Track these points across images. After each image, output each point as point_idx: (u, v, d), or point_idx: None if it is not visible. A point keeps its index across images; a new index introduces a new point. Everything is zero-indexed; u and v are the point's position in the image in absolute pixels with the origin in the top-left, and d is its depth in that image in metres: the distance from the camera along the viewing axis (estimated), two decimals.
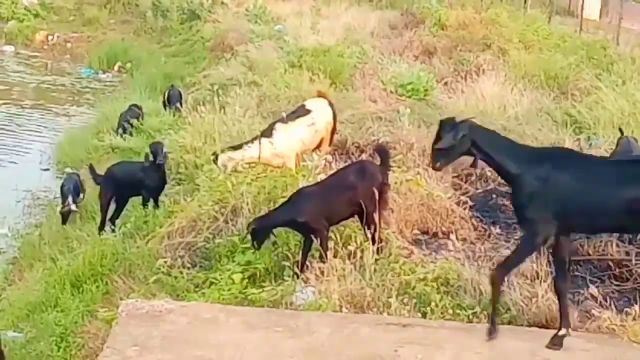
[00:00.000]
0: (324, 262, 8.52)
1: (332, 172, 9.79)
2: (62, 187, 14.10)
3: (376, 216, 8.77)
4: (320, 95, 12.22)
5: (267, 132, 11.22)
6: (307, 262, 8.70)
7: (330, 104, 11.80)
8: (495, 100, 15.10)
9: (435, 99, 15.97)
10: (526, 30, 20.66)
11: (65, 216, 13.55)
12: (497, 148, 7.10)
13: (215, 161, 11.03)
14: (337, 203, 8.92)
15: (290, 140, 11.12)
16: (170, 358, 6.14)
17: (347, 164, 10.52)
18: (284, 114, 11.64)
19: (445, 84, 16.89)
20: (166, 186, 12.51)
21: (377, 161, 9.39)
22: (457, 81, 16.82)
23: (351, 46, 19.03)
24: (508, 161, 7.00)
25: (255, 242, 8.82)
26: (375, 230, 8.77)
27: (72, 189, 13.86)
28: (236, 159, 10.94)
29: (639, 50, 18.56)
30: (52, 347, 9.06)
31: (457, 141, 7.22)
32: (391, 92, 16.33)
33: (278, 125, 11.31)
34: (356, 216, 8.94)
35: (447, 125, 7.40)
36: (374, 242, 8.70)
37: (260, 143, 11.02)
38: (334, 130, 11.80)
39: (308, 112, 11.51)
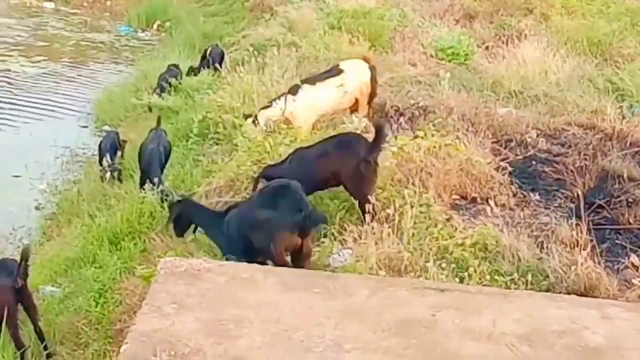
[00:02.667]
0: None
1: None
2: (99, 144, 14.16)
3: (360, 189, 8.78)
4: (365, 58, 12.17)
5: (293, 90, 11.27)
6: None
7: (372, 67, 11.75)
8: (536, 66, 14.91)
9: (476, 64, 15.79)
10: None
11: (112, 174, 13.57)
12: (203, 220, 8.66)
13: (255, 122, 11.06)
14: (316, 171, 8.96)
15: (313, 101, 11.12)
16: (208, 316, 6.15)
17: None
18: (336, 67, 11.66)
19: (486, 48, 16.69)
20: (204, 145, 12.55)
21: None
22: (498, 46, 16.61)
23: (391, 9, 18.83)
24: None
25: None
26: (360, 203, 8.76)
27: (110, 147, 13.90)
28: (275, 115, 11.01)
29: None
30: (90, 302, 9.12)
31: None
32: (431, 56, 16.19)
33: (305, 86, 11.34)
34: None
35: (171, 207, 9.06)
36: (362, 214, 8.70)
37: (285, 100, 11.07)
38: (372, 94, 11.75)
39: (339, 72, 11.50)
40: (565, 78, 14.62)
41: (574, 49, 16.28)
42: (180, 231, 9.13)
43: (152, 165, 11.95)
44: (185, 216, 9.00)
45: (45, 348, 8.59)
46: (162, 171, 12.00)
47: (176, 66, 18.05)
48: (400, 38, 17.22)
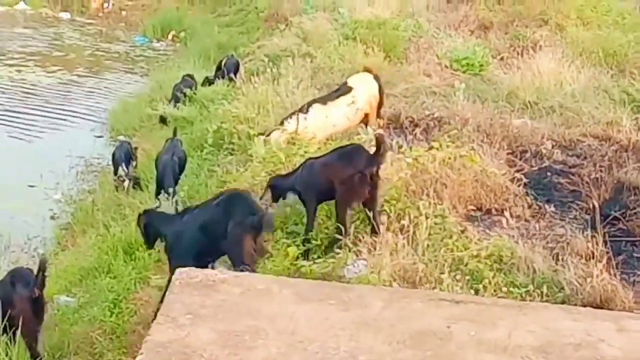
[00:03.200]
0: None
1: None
2: (113, 154, 14.20)
3: (349, 203, 8.81)
4: (367, 70, 12.19)
5: (304, 109, 11.29)
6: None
7: (376, 78, 11.76)
8: (551, 77, 14.88)
9: (491, 75, 15.80)
10: (584, 6, 20.30)
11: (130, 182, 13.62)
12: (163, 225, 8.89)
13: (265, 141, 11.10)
14: (320, 181, 9.02)
15: (325, 120, 11.13)
16: (224, 327, 6.15)
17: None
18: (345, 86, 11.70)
19: (501, 59, 16.70)
20: (219, 156, 12.58)
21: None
22: (513, 57, 16.61)
23: (406, 19, 18.86)
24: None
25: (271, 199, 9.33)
26: (343, 218, 8.78)
27: (124, 157, 13.94)
28: (284, 134, 11.02)
29: None
30: (104, 312, 9.14)
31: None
32: (446, 66, 16.21)
33: (316, 105, 11.37)
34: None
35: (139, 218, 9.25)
36: (344, 228, 8.72)
37: (298, 118, 11.09)
38: (380, 105, 11.75)
39: (349, 90, 11.51)
40: (580, 89, 14.58)
41: (589, 60, 16.25)
42: (148, 242, 9.24)
43: (165, 175, 11.98)
44: (151, 226, 9.12)
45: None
46: (176, 182, 12.02)
47: (191, 76, 18.10)
48: (415, 49, 17.24)
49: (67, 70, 22.71)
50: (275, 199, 9.33)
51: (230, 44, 23.23)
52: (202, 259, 8.15)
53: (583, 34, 17.75)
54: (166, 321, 6.15)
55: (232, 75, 17.74)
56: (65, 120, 18.51)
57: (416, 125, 12.41)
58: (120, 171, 13.65)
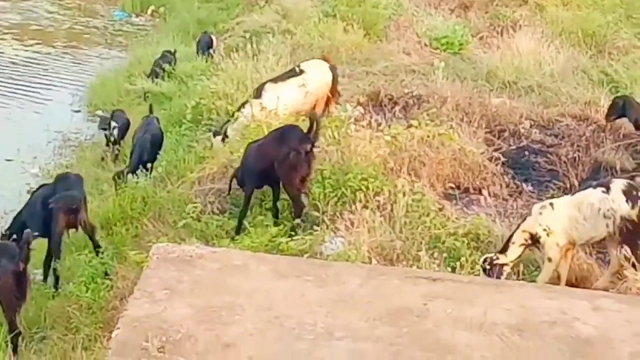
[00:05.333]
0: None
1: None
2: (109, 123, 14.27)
3: (292, 181, 8.93)
4: (324, 58, 12.14)
5: (257, 94, 11.26)
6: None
7: (332, 68, 11.69)
8: (530, 57, 14.91)
9: (470, 54, 15.80)
10: None
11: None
12: None
13: (224, 139, 11.08)
14: (258, 163, 9.21)
15: (280, 100, 11.08)
16: (201, 303, 6.14)
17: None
18: (297, 68, 11.61)
19: (481, 38, 16.70)
20: (197, 132, 12.55)
21: None
22: (493, 36, 16.62)
23: None
24: None
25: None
26: (293, 194, 8.95)
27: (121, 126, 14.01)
28: (243, 124, 11.00)
29: None
30: (81, 287, 9.12)
31: None
32: (425, 45, 16.19)
33: (267, 86, 11.33)
34: None
35: None
36: (294, 206, 8.94)
37: (251, 105, 11.05)
38: (332, 94, 11.65)
39: (301, 72, 11.45)
40: (559, 69, 14.63)
41: (568, 40, 16.28)
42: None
43: (139, 153, 11.98)
44: None
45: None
46: (153, 159, 11.95)
47: (171, 52, 18.00)
48: (395, 27, 17.21)
49: (44, 44, 22.50)
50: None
51: (210, 19, 23.07)
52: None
53: (563, 14, 17.75)
54: (143, 296, 6.14)
55: (208, 51, 17.67)
56: (43, 94, 18.35)
57: (395, 103, 12.41)
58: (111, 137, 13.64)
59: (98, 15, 26.33)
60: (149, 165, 11.61)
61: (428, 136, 10.13)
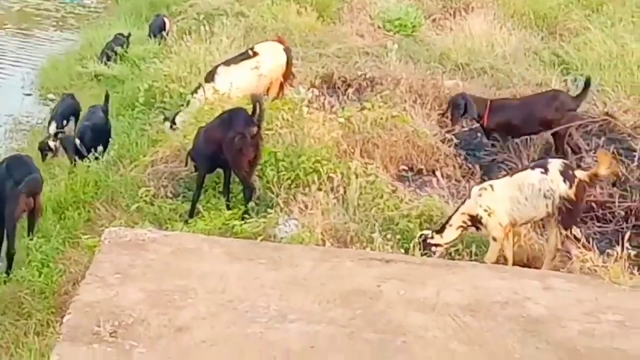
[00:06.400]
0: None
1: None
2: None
3: (239, 165, 8.98)
4: (279, 40, 12.09)
5: (209, 77, 11.20)
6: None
7: (287, 50, 11.65)
8: (483, 39, 14.99)
9: (423, 36, 15.83)
10: None
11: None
12: None
13: (172, 127, 11.03)
14: (207, 147, 9.23)
15: (233, 83, 11.03)
16: (153, 287, 6.12)
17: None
18: (250, 51, 11.56)
19: (434, 20, 16.73)
20: (150, 115, 12.47)
21: None
22: (446, 18, 16.66)
23: None
24: None
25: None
26: (242, 177, 9.01)
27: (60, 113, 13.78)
28: (191, 112, 10.95)
29: None
30: (33, 272, 9.03)
31: None
32: (379, 27, 16.19)
33: (220, 69, 11.29)
34: None
35: None
36: (245, 189, 8.99)
37: (204, 90, 11.01)
38: (286, 77, 11.61)
39: (254, 55, 11.41)
40: (511, 51, 14.72)
41: (520, 22, 16.38)
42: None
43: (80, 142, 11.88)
44: None
45: None
46: (94, 149, 11.78)
47: (123, 35, 17.85)
48: (348, 9, 17.21)
49: None
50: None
51: (163, 2, 22.82)
52: None
53: None
54: (94, 281, 6.11)
55: (161, 34, 17.56)
56: None
57: (349, 86, 12.42)
58: (51, 129, 13.41)
59: None
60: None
61: (381, 118, 10.16)
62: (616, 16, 16.32)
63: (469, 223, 7.82)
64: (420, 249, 7.78)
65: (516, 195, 7.69)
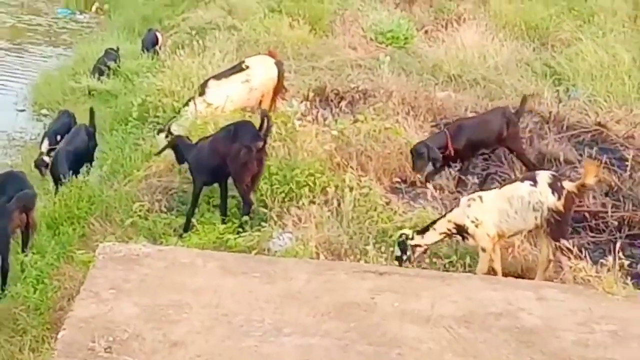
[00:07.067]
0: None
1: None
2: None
3: (242, 178, 8.94)
4: (271, 53, 12.12)
5: (200, 91, 11.23)
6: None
7: (278, 63, 11.67)
8: (475, 50, 15.05)
9: (416, 48, 15.87)
10: None
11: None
12: None
13: (168, 137, 11.02)
14: (210, 159, 9.16)
15: (225, 96, 11.05)
16: (147, 302, 6.14)
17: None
18: (241, 65, 11.59)
19: (426, 32, 16.78)
20: (144, 129, 12.48)
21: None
22: (438, 30, 16.72)
23: None
24: None
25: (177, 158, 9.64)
26: (243, 191, 8.96)
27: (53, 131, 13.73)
28: (188, 122, 10.96)
29: (620, 2, 18.47)
30: (28, 288, 9.02)
31: None
32: (371, 39, 16.23)
33: (211, 82, 11.31)
34: None
35: None
36: (244, 203, 8.95)
37: (195, 103, 11.02)
38: (278, 90, 11.64)
39: (245, 68, 11.43)
40: (503, 62, 14.79)
41: (512, 33, 16.44)
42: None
43: (58, 165, 11.80)
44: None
45: None
46: (76, 171, 11.72)
47: (114, 49, 17.88)
48: (340, 21, 17.23)
49: None
50: (179, 160, 9.61)
51: (155, 16, 22.91)
52: None
53: (506, 7, 17.88)
54: (89, 296, 6.13)
55: (153, 49, 17.59)
56: None
57: (341, 98, 12.43)
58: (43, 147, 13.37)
59: (42, 12, 26.03)
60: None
61: (374, 130, 10.17)
62: (607, 26, 16.42)
63: (454, 231, 7.84)
64: (398, 248, 7.78)
65: (505, 208, 7.71)
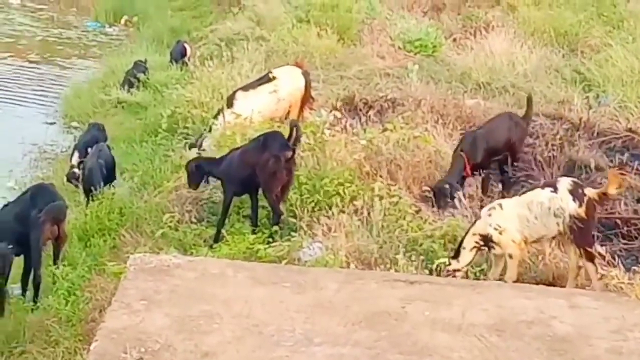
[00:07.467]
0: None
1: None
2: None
3: (272, 188, 8.96)
4: (297, 64, 12.15)
5: (229, 103, 11.27)
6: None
7: (305, 74, 11.69)
8: (504, 57, 15.00)
9: (444, 56, 15.87)
10: None
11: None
12: None
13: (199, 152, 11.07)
14: (240, 169, 9.18)
15: (253, 107, 11.08)
16: (178, 312, 6.15)
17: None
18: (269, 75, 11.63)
19: (454, 40, 16.76)
20: (173, 141, 12.53)
21: None
22: (466, 37, 16.67)
23: (359, 1, 18.84)
24: None
25: (190, 182, 9.57)
26: (272, 201, 8.99)
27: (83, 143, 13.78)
28: (215, 136, 11.00)
29: None
30: (60, 300, 9.07)
31: None
32: (399, 48, 16.24)
33: (238, 94, 11.35)
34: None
35: None
36: (273, 213, 8.98)
37: (224, 115, 11.06)
38: (305, 100, 11.65)
39: (272, 79, 11.46)
40: (532, 69, 14.73)
41: (541, 40, 16.39)
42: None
43: (93, 179, 11.83)
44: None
45: None
46: (106, 184, 11.79)
47: (142, 61, 17.98)
48: (368, 30, 17.25)
49: (17, 56, 22.39)
50: (196, 182, 9.62)
51: (184, 28, 23.05)
52: None
53: (534, 14, 17.84)
54: (120, 307, 6.15)
55: (185, 59, 17.68)
56: (17, 107, 18.25)
57: (370, 107, 12.43)
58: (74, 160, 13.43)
59: (71, 26, 26.24)
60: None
61: (403, 139, 10.16)
62: (637, 32, 16.30)
63: (482, 243, 7.82)
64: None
65: (525, 214, 7.70)
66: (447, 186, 9.52)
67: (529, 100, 10.50)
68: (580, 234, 7.57)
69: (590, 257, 7.57)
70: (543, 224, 7.64)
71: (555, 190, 7.66)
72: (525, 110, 10.43)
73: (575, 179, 8.06)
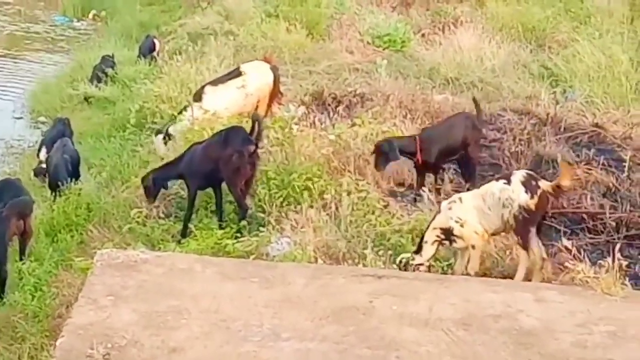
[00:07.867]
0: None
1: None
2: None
3: (236, 182, 8.99)
4: (266, 59, 12.14)
5: (197, 97, 11.26)
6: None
7: (274, 68, 11.69)
8: (472, 53, 15.07)
9: (413, 51, 15.91)
10: None
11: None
12: None
13: (166, 139, 11.03)
14: (203, 165, 9.21)
15: (220, 102, 11.07)
16: (146, 308, 6.13)
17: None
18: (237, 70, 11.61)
19: (423, 35, 16.81)
20: (142, 136, 12.49)
21: None
22: (435, 33, 16.73)
23: None
24: None
25: (147, 196, 9.49)
26: (237, 196, 9.02)
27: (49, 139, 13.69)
28: (185, 126, 10.97)
29: (616, 3, 18.49)
30: (26, 296, 9.02)
31: None
32: (368, 43, 16.27)
33: (207, 88, 11.34)
34: None
35: None
36: (239, 207, 9.02)
37: (192, 109, 11.05)
38: (274, 95, 11.65)
39: (241, 74, 11.46)
40: (500, 64, 14.81)
41: (509, 35, 16.46)
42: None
43: (59, 174, 11.76)
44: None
45: None
46: (71, 180, 11.72)
47: (110, 56, 17.88)
48: (337, 25, 17.27)
49: None
50: (153, 195, 9.57)
51: (152, 22, 22.94)
52: None
53: (503, 9, 17.91)
54: (87, 303, 6.12)
55: (151, 55, 17.62)
56: None
57: (339, 102, 12.44)
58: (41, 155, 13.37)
59: (39, 20, 26.03)
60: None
61: (372, 134, 10.18)
62: (604, 27, 16.41)
63: (443, 237, 7.85)
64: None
65: (480, 206, 7.76)
66: (387, 144, 9.49)
67: (475, 101, 10.46)
68: (524, 223, 7.63)
69: (525, 246, 7.64)
70: (496, 215, 7.70)
71: (509, 182, 7.72)
72: (477, 111, 10.37)
73: (531, 172, 8.09)
